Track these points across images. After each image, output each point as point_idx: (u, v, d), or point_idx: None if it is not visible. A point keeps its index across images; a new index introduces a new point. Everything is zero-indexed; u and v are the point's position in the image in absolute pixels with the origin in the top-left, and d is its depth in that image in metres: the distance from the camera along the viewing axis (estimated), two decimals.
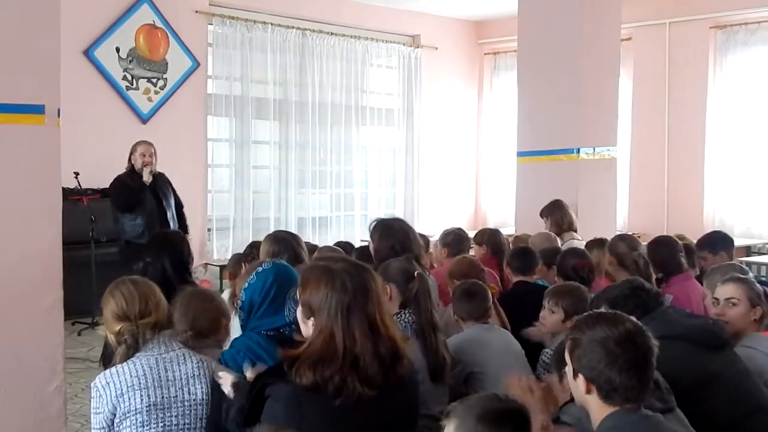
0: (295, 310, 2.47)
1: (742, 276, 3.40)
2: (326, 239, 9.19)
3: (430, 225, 9.65)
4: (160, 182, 6.47)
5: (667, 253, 4.25)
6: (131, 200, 6.27)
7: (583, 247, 4.79)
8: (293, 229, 9.25)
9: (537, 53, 6.92)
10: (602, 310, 2.34)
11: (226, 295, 3.52)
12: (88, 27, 7.83)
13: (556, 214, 5.92)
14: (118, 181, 6.42)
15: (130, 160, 6.41)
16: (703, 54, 9.27)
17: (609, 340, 2.02)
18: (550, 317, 3.44)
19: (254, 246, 4.04)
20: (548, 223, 5.91)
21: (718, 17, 9.18)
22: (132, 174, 6.36)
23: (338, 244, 5.25)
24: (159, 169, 6.53)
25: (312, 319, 2.19)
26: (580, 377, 2.06)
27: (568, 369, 2.12)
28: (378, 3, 10.08)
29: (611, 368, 2.01)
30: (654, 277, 4.11)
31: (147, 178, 6.32)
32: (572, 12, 6.67)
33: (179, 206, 6.68)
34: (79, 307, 6.53)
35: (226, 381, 2.39)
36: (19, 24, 3.50)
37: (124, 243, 6.40)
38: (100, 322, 6.60)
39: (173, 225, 6.45)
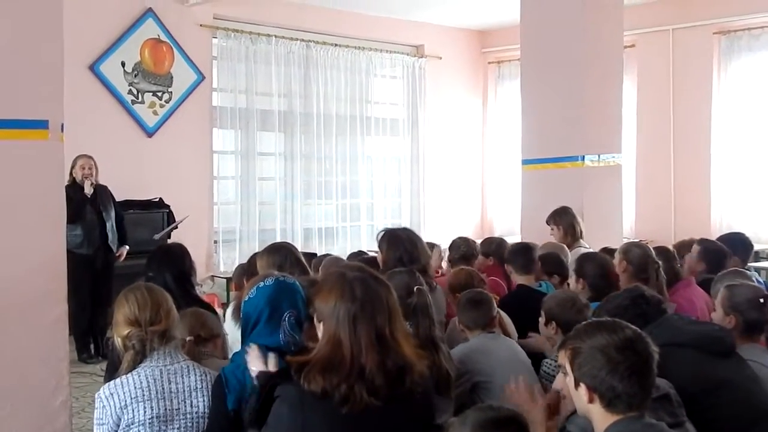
0: (290, 334, 2.48)
1: (731, 283, 3.37)
2: (332, 250, 9.17)
3: (436, 234, 9.64)
4: (102, 194, 6.73)
5: (663, 264, 4.20)
6: (73, 211, 6.31)
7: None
8: (299, 240, 9.29)
9: (540, 61, 6.92)
10: (601, 318, 2.32)
11: (231, 308, 3.53)
12: (93, 42, 7.87)
13: (566, 221, 5.80)
14: None
15: (71, 173, 6.58)
16: (707, 60, 9.25)
17: (609, 347, 2.02)
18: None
19: (248, 266, 4.05)
20: (558, 231, 5.82)
21: (721, 23, 9.16)
22: (73, 186, 6.51)
23: (354, 254, 5.23)
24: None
25: (322, 323, 2.21)
26: (582, 386, 2.06)
27: (569, 379, 2.10)
28: (381, 14, 10.11)
29: (613, 375, 2.00)
30: (665, 286, 4.06)
31: (88, 189, 6.57)
32: (574, 20, 6.67)
33: (120, 218, 6.92)
34: None
35: (255, 365, 2.37)
36: (22, 40, 3.52)
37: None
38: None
39: (112, 236, 6.75)
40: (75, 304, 6.29)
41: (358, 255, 5.11)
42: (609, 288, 3.78)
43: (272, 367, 2.34)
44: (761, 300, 3.16)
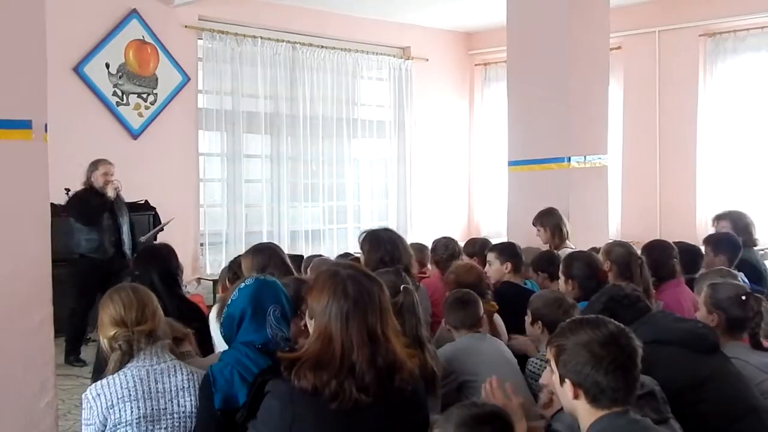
0: (277, 327, 2.50)
1: (714, 281, 3.39)
2: (319, 252, 9.14)
3: (423, 236, 9.62)
4: (119, 200, 6.68)
5: (660, 259, 4.21)
6: (96, 215, 6.42)
7: None
8: (286, 243, 9.27)
9: (526, 63, 6.93)
10: (585, 315, 2.34)
11: (215, 309, 3.52)
12: (77, 44, 7.84)
13: (553, 222, 5.79)
14: (78, 197, 6.54)
15: (89, 178, 6.54)
16: (693, 61, 9.32)
17: (593, 342, 2.04)
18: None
19: (232, 264, 4.02)
20: (544, 232, 5.81)
21: (707, 25, 9.23)
22: (89, 191, 6.49)
23: (342, 255, 5.21)
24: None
25: (314, 320, 2.22)
26: (567, 382, 2.07)
27: (555, 376, 2.12)
28: (368, 15, 10.11)
29: (597, 370, 2.02)
30: (651, 283, 4.05)
31: (112, 194, 6.52)
32: (560, 21, 6.69)
33: (131, 224, 6.89)
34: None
35: None
36: (4, 40, 3.49)
37: (78, 256, 6.56)
38: (93, 338, 6.60)
39: (127, 241, 6.69)
40: (79, 306, 6.32)
41: (346, 257, 5.10)
42: (598, 287, 3.77)
43: None
44: (743, 297, 3.17)
